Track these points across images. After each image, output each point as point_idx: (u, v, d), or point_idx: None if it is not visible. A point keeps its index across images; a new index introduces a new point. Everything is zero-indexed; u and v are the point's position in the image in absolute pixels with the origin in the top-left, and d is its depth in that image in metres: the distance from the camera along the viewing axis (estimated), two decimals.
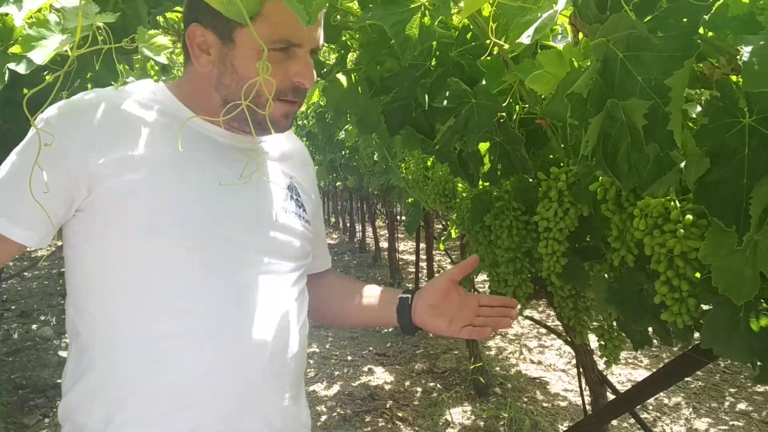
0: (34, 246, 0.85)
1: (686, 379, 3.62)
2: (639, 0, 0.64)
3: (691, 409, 3.23)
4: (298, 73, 0.86)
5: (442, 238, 3.46)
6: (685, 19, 0.63)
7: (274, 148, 1.02)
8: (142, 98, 0.89)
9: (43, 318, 4.58)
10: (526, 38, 0.82)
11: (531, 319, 2.70)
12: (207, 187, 0.88)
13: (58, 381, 3.26)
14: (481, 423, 3.00)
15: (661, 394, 3.41)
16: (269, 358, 0.88)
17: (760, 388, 3.44)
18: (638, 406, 3.21)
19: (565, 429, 2.77)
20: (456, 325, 1.01)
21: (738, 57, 0.61)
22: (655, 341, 1.29)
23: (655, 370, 3.67)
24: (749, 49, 0.59)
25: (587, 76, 0.66)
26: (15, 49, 0.75)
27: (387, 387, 3.56)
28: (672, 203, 0.93)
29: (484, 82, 1.15)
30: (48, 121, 0.84)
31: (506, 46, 1.01)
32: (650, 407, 3.25)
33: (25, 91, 1.62)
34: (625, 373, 3.77)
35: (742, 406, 3.27)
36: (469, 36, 1.23)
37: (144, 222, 0.83)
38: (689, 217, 0.90)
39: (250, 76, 0.83)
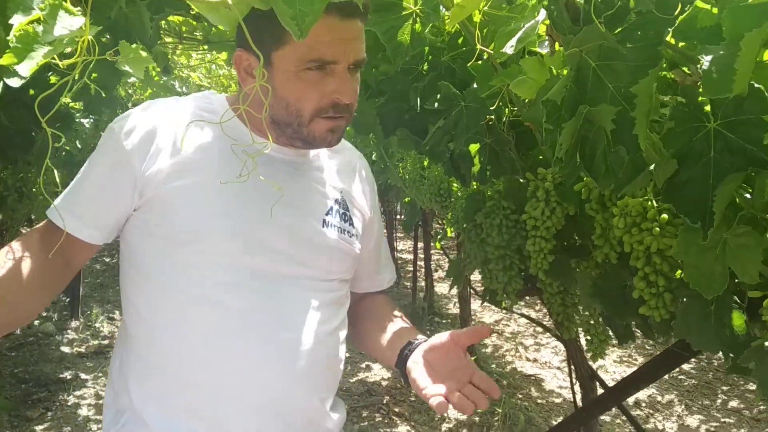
0: (98, 243, 0.94)
1: (679, 377, 3.66)
2: (609, 13, 0.69)
3: (683, 407, 3.28)
4: (335, 90, 0.88)
5: (439, 237, 3.51)
6: (651, 31, 0.68)
7: (327, 161, 1.04)
8: (202, 110, 0.96)
9: (44, 314, 4.63)
10: (509, 48, 0.87)
11: (527, 317, 2.75)
12: (247, 197, 0.92)
13: (60, 376, 3.31)
14: (476, 418, 3.05)
15: (655, 391, 3.45)
16: (287, 360, 0.91)
17: (752, 386, 3.49)
18: (631, 404, 3.26)
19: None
20: (432, 390, 0.87)
21: (699, 66, 0.66)
22: (650, 341, 1.33)
23: None
24: (709, 58, 0.64)
25: (561, 83, 0.71)
26: (4, 60, 0.78)
27: (384, 383, 3.61)
28: (649, 203, 0.97)
29: (475, 86, 1.19)
30: (113, 129, 0.93)
31: (493, 53, 1.05)
32: (643, 404, 3.30)
33: (31, 91, 1.67)
34: (620, 371, 3.81)
35: (734, 403, 3.32)
36: (460, 41, 1.27)
37: (185, 227, 0.90)
38: (665, 216, 0.95)
39: (288, 95, 0.87)
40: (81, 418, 2.94)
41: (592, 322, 1.43)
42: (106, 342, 3.91)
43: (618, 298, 1.19)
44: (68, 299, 4.57)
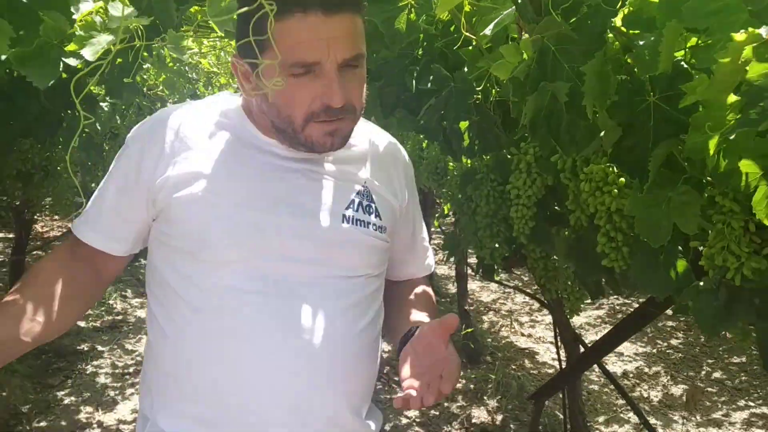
0: (123, 255, 0.97)
1: (667, 351, 3.83)
2: (566, 6, 0.84)
3: (669, 377, 3.45)
4: (324, 94, 0.83)
5: (437, 215, 3.68)
6: (598, 21, 0.83)
7: (349, 152, 0.98)
8: (214, 114, 0.95)
9: None
10: (488, 30, 1.03)
11: (524, 292, 2.91)
12: (256, 200, 0.90)
13: (77, 347, 3.50)
14: (471, 386, 3.23)
15: (642, 363, 3.63)
16: (304, 366, 0.87)
17: (735, 359, 3.66)
18: (619, 374, 3.43)
19: None
20: (406, 384, 0.84)
21: (635, 50, 0.81)
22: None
23: (636, 342, 3.86)
24: (642, 43, 0.79)
25: (526, 64, 0.86)
26: (71, 47, 0.93)
27: (384, 355, 3.78)
28: (610, 169, 1.13)
29: (466, 69, 1.34)
30: (127, 142, 0.97)
31: (478, 39, 1.21)
32: (630, 375, 3.47)
33: (63, 75, 1.82)
34: None
35: (717, 374, 3.49)
36: (452, 29, 1.42)
37: (192, 235, 0.89)
38: (622, 179, 1.10)
39: (278, 102, 0.85)
40: (99, 384, 3.13)
41: (569, 282, 1.60)
42: (119, 318, 4.09)
43: (589, 257, 1.34)
44: None
